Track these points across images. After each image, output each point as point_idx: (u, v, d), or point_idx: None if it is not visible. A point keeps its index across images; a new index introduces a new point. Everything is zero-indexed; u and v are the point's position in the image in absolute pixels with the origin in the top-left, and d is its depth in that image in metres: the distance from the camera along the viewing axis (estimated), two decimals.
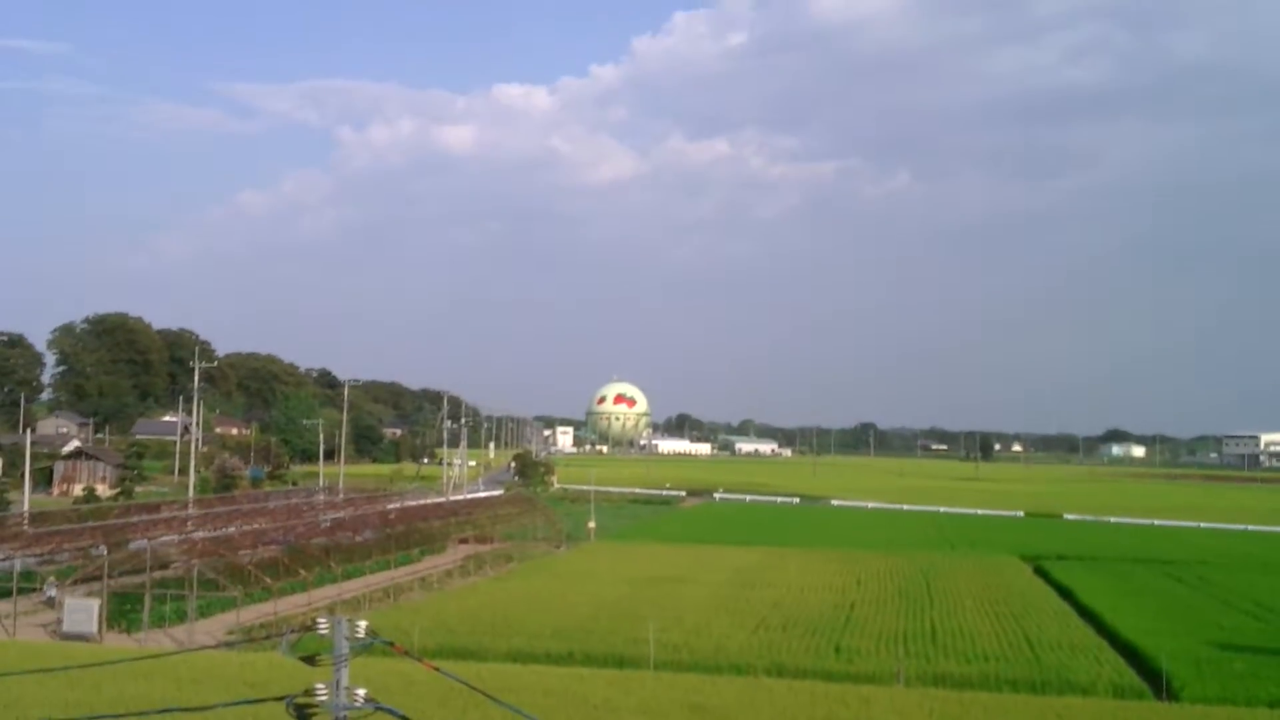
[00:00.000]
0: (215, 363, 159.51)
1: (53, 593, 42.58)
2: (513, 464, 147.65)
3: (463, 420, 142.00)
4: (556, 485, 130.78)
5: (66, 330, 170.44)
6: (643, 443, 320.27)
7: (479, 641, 35.61)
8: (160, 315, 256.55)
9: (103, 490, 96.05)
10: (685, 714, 26.96)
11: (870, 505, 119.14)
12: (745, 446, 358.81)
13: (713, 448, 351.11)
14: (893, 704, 28.64)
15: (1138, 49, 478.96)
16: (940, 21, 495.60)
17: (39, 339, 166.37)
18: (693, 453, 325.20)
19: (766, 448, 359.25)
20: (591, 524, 75.13)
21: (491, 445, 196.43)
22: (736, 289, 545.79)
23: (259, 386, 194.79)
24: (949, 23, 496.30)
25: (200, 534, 54.60)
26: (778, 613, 43.35)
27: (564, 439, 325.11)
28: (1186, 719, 28.03)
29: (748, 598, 47.32)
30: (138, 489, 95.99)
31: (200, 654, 32.72)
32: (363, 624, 10.01)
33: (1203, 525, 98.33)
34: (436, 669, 12.90)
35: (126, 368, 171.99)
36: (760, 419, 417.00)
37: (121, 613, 40.89)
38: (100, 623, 37.63)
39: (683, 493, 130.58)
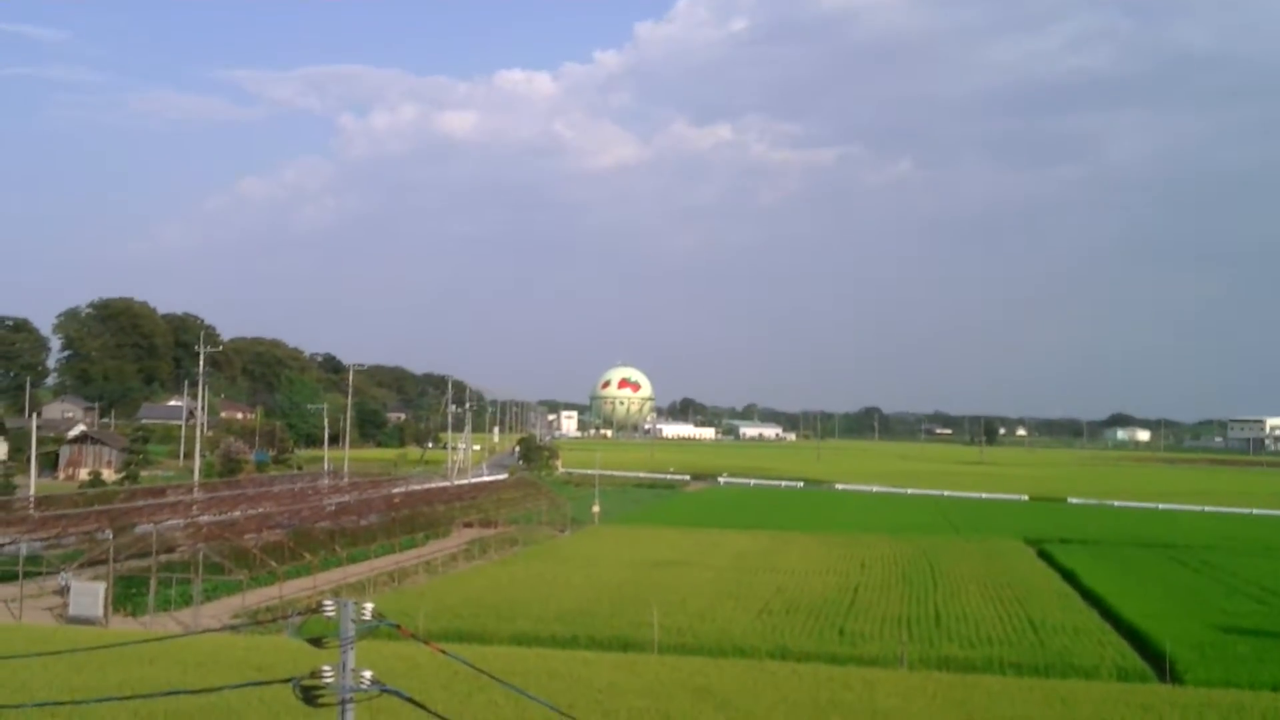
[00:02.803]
0: (220, 347, 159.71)
1: (66, 580, 42.52)
2: (517, 448, 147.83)
3: (467, 404, 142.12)
4: (561, 469, 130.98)
5: (72, 315, 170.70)
6: (647, 427, 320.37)
7: (483, 625, 35.68)
8: (165, 300, 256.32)
9: (108, 474, 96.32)
10: (690, 697, 27.01)
11: (874, 489, 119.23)
12: (749, 431, 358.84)
13: (717, 432, 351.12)
14: (896, 687, 28.67)
15: (1141, 38, 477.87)
16: (942, 9, 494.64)
17: (45, 324, 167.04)
18: (697, 437, 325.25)
19: (770, 432, 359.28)
20: (596, 508, 75.23)
21: (496, 429, 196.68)
22: (740, 274, 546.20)
23: (264, 371, 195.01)
24: (951, 10, 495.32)
25: (205, 518, 54.68)
26: (782, 596, 43.42)
27: (568, 423, 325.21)
28: (1189, 702, 28.02)
29: (752, 582, 47.39)
30: (143, 473, 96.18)
31: (205, 637, 32.81)
32: (369, 606, 10.03)
33: (1207, 509, 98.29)
34: (443, 651, 12.93)
35: (131, 352, 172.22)
36: (764, 403, 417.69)
37: (127, 596, 41.00)
38: (106, 606, 37.76)
39: (687, 477, 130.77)
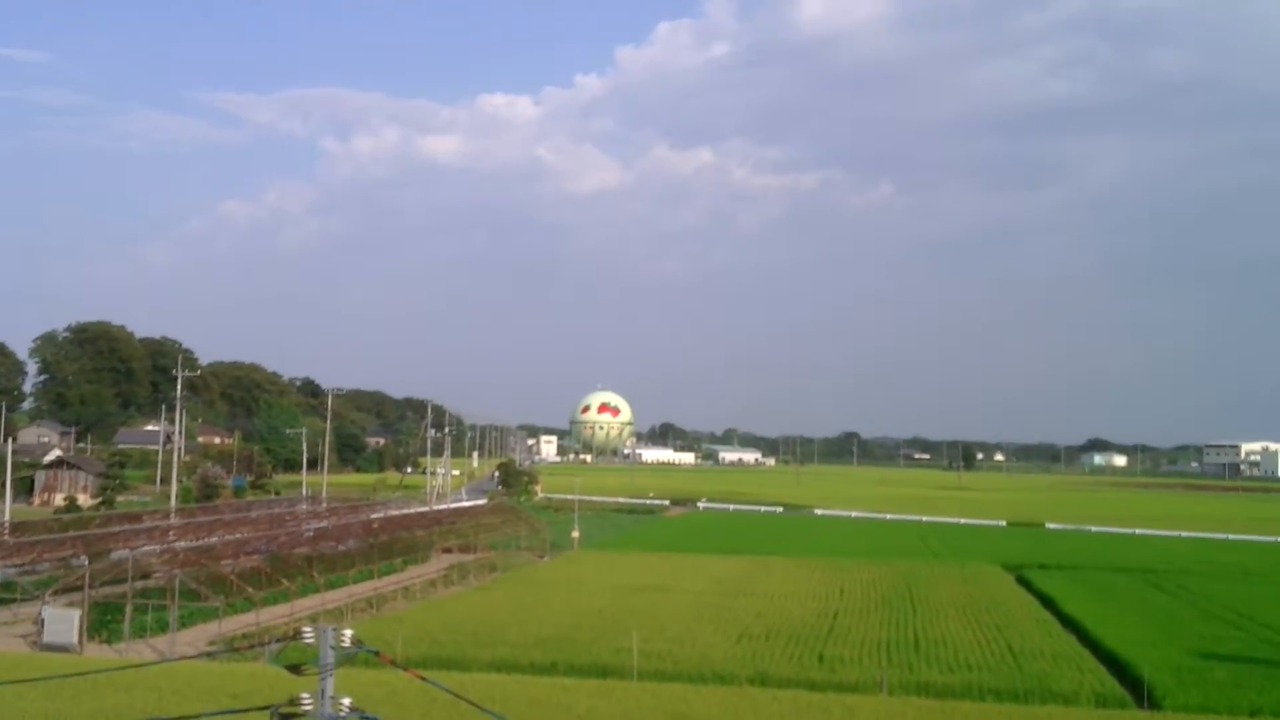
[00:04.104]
0: (198, 371, 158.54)
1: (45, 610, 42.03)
2: (496, 473, 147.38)
3: (446, 429, 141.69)
4: (540, 494, 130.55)
5: (48, 338, 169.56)
6: (626, 452, 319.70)
7: (463, 651, 35.55)
8: (143, 324, 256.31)
9: (84, 500, 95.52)
10: None
11: (853, 514, 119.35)
12: (729, 456, 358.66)
13: (696, 457, 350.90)
14: (876, 713, 28.69)
15: (1119, 63, 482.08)
16: (923, 34, 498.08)
17: (21, 347, 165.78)
18: (676, 462, 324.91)
19: (750, 457, 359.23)
20: (575, 533, 75.06)
21: (475, 454, 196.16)
22: (720, 298, 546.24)
23: (242, 395, 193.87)
24: (931, 35, 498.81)
25: (182, 544, 54.31)
26: (761, 622, 43.40)
27: (548, 448, 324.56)
28: None
29: (731, 607, 47.37)
30: (119, 498, 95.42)
31: (182, 664, 32.56)
32: (348, 632, 10.00)
33: (1183, 534, 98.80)
34: (423, 678, 12.88)
35: (109, 376, 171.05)
36: (743, 428, 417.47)
37: (102, 623, 40.63)
38: (81, 633, 37.40)
39: (666, 502, 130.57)
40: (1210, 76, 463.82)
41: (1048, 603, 51.94)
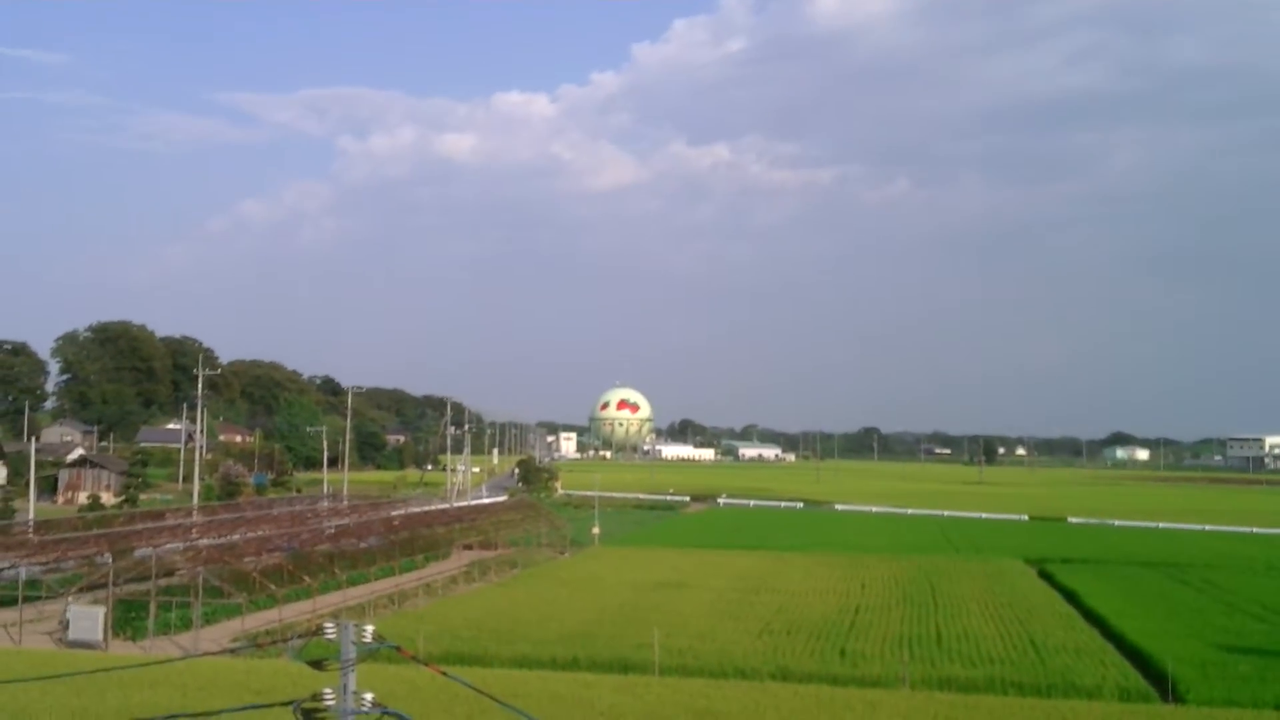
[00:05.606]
0: (219, 370, 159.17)
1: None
2: (516, 470, 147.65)
3: (466, 426, 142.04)
4: (560, 491, 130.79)
5: (70, 338, 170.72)
6: (646, 448, 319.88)
7: (484, 647, 35.61)
8: (163, 323, 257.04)
9: (107, 498, 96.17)
10: (691, 719, 26.95)
11: (874, 510, 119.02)
12: (748, 451, 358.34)
13: (716, 453, 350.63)
14: (898, 708, 28.61)
15: (1137, 54, 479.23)
16: (939, 27, 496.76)
17: (43, 347, 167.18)
18: (696, 458, 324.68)
19: (770, 453, 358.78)
20: (596, 529, 75.09)
21: (495, 451, 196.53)
22: (738, 294, 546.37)
23: (262, 394, 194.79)
24: (947, 29, 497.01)
25: (205, 541, 54.56)
26: (782, 617, 43.36)
27: (567, 445, 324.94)
28: None
29: (752, 602, 47.33)
30: (142, 497, 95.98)
31: (205, 661, 32.74)
32: (370, 629, 10.02)
33: (1207, 528, 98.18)
34: (444, 673, 12.88)
35: (130, 375, 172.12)
36: (763, 424, 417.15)
37: (127, 620, 40.90)
38: (106, 630, 37.67)
39: (686, 498, 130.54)
40: (1228, 65, 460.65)
41: (1070, 597, 51.71)
